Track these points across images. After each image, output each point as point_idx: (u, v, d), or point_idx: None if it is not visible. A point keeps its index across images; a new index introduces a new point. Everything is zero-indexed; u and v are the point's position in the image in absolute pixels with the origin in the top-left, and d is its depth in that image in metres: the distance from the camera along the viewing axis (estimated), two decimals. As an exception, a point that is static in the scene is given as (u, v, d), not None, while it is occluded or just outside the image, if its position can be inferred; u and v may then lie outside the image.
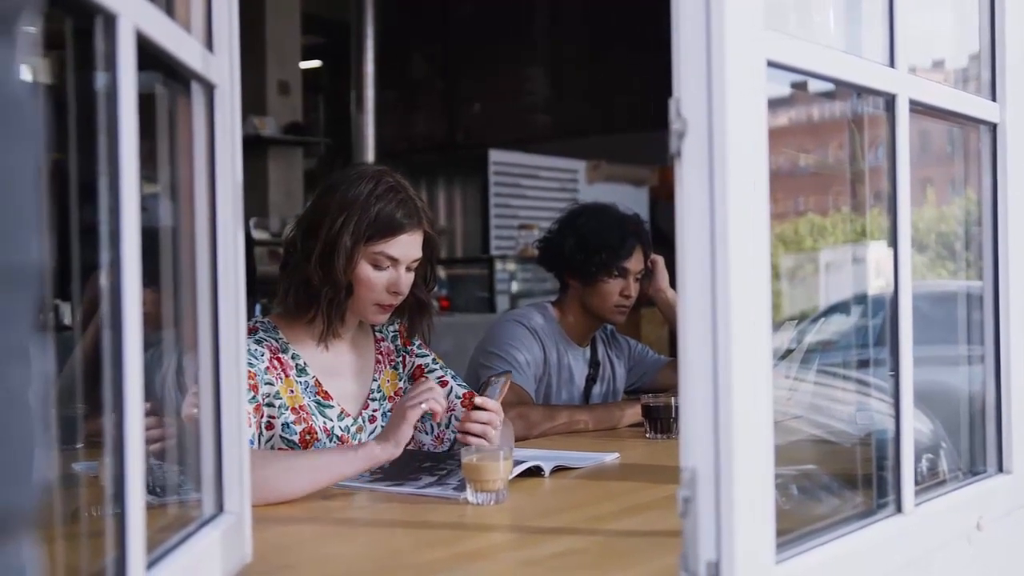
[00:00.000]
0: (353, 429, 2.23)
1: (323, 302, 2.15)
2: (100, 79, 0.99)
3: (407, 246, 2.17)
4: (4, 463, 0.55)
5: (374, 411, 2.29)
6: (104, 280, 0.99)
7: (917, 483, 1.52)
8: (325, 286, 2.13)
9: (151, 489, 1.25)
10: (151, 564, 1.07)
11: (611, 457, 2.31)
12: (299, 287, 2.17)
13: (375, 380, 2.31)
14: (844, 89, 1.58)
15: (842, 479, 1.69)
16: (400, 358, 2.37)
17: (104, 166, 0.99)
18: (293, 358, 2.19)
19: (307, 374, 2.19)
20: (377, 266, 2.16)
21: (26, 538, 0.57)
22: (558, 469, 2.14)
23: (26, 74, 0.57)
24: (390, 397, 2.32)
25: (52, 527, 1.08)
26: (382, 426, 2.26)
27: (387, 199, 2.15)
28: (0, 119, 0.54)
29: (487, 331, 3.04)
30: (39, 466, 0.58)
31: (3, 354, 0.54)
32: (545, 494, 2.00)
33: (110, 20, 0.98)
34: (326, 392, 2.20)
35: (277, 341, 2.18)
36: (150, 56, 1.09)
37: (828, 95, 1.68)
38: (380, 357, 2.34)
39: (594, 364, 3.10)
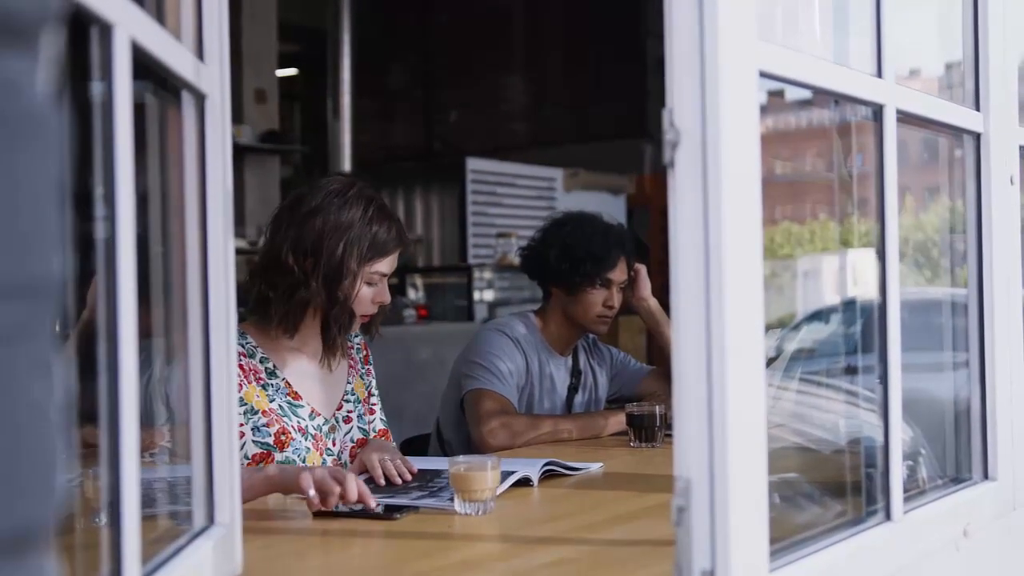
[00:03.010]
0: (326, 429, 2.30)
1: (333, 325, 2.23)
2: (95, 88, 0.99)
3: (394, 261, 2.30)
4: (29, 477, 0.54)
5: (348, 412, 2.37)
6: (100, 289, 0.98)
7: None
8: (333, 308, 2.22)
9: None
10: (145, 577, 1.06)
11: (596, 467, 2.31)
12: (299, 309, 2.23)
13: (349, 383, 2.39)
14: (820, 97, 1.59)
15: (829, 487, 1.69)
16: (365, 369, 2.47)
17: (99, 175, 0.98)
18: (262, 362, 2.25)
19: (277, 376, 2.25)
20: (370, 283, 2.26)
21: (49, 551, 0.57)
22: (547, 474, 2.14)
23: (47, 87, 0.57)
24: (363, 401, 2.41)
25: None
26: (358, 427, 2.37)
27: (379, 221, 2.25)
28: (24, 132, 0.54)
29: (469, 341, 3.03)
30: (60, 479, 0.57)
31: (27, 367, 0.54)
32: (533, 504, 2.00)
33: (106, 30, 0.97)
34: (296, 392, 2.27)
35: (243, 346, 2.23)
36: (142, 65, 1.08)
37: (803, 103, 1.69)
38: (352, 362, 2.43)
39: (576, 373, 3.10)
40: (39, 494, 0.55)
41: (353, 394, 2.39)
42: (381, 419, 2.47)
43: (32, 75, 0.56)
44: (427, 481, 2.10)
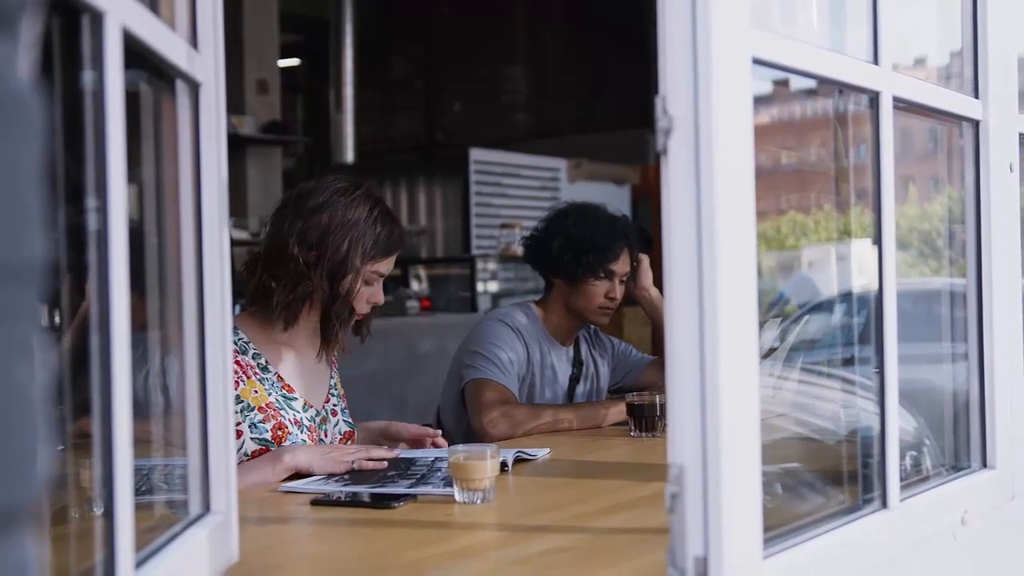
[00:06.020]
0: (318, 420, 2.34)
1: (334, 320, 2.26)
2: (86, 77, 0.99)
3: (392, 263, 2.34)
4: (10, 457, 0.55)
5: (334, 406, 2.42)
6: (92, 281, 0.98)
7: (901, 479, 1.53)
8: (334, 302, 2.24)
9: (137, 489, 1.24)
10: (139, 564, 1.07)
11: (544, 452, 2.35)
12: (301, 301, 2.25)
13: (332, 378, 2.44)
14: (826, 87, 1.58)
15: (827, 476, 1.69)
16: (338, 369, 2.52)
17: (91, 165, 0.98)
18: (254, 357, 2.27)
19: (270, 371, 2.28)
20: (368, 282, 2.29)
21: (29, 534, 0.57)
22: (519, 461, 2.19)
23: (28, 72, 0.57)
24: (343, 396, 2.47)
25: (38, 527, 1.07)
26: (344, 420, 2.42)
27: (383, 222, 2.28)
28: (4, 116, 0.54)
29: (470, 330, 3.03)
30: (42, 462, 0.58)
31: (9, 349, 0.55)
32: (530, 492, 2.00)
33: (97, 18, 0.97)
34: (289, 386, 2.30)
35: (236, 343, 2.25)
36: (135, 54, 1.08)
37: (809, 93, 1.68)
38: (334, 359, 2.47)
39: (577, 363, 3.10)
40: (20, 474, 0.56)
41: (336, 389, 2.45)
42: (346, 421, 2.48)
43: (12, 60, 0.56)
44: (405, 470, 2.10)
